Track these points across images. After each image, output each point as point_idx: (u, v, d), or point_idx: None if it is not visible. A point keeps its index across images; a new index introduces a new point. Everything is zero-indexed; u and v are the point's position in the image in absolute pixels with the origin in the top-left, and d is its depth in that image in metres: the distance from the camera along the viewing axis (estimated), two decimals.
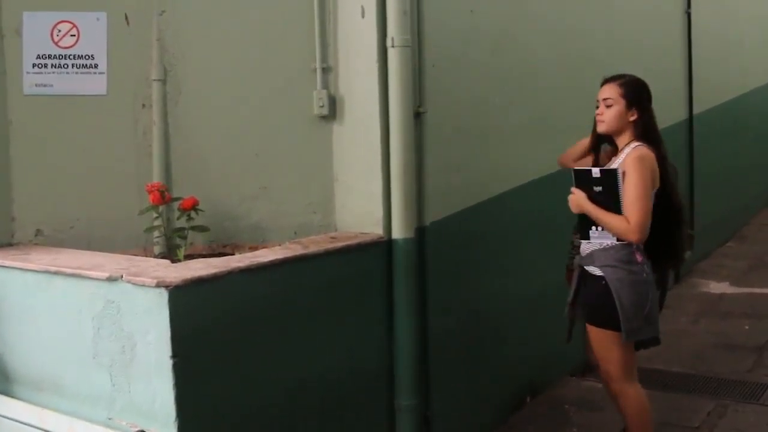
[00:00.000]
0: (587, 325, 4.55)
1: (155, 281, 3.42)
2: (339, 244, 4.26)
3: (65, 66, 4.60)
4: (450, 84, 4.89)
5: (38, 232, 4.49)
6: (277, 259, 3.90)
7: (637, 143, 4.39)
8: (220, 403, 3.65)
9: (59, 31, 4.58)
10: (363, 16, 4.48)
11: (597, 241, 4.42)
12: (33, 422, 3.82)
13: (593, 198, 4.36)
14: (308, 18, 4.61)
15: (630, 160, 4.29)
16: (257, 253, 4.09)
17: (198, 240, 4.57)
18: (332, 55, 4.64)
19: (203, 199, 4.44)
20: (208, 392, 3.59)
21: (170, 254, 4.41)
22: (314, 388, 4.13)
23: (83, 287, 3.73)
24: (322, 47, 4.63)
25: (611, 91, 4.45)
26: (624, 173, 4.27)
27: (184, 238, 4.43)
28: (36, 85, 4.55)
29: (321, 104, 4.61)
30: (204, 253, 4.43)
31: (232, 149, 4.66)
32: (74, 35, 4.59)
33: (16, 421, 3.89)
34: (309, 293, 4.10)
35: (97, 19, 4.63)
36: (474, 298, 5.17)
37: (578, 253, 4.60)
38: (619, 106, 4.42)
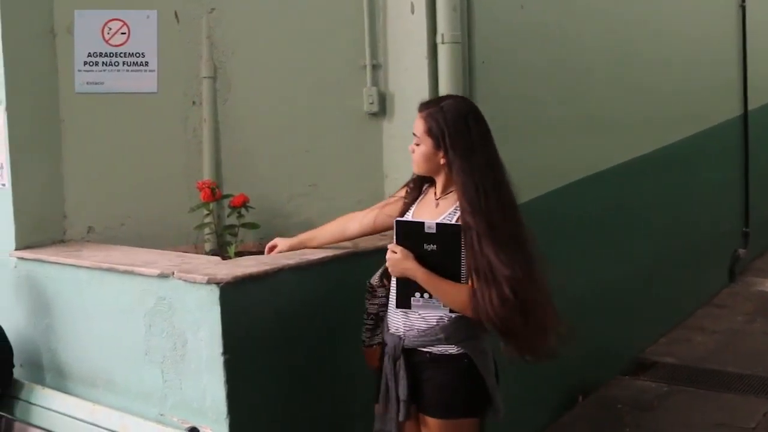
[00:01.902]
0: (429, 421, 3.46)
1: (206, 278, 3.42)
2: (388, 242, 4.22)
3: (116, 64, 4.61)
4: (499, 80, 4.85)
5: (90, 230, 4.51)
6: (326, 257, 3.89)
7: None
8: (270, 401, 3.65)
9: (110, 29, 4.60)
10: (413, 13, 4.47)
11: (421, 311, 3.39)
12: (85, 418, 3.84)
13: (423, 259, 3.34)
14: (358, 15, 4.60)
15: None
16: (307, 250, 4.08)
17: (248, 237, 4.57)
18: (382, 52, 4.62)
19: (253, 196, 4.44)
20: (259, 389, 3.58)
21: (221, 251, 4.42)
22: (364, 387, 4.11)
23: (135, 284, 3.74)
24: (372, 44, 4.62)
25: (417, 126, 3.44)
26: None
27: (235, 235, 4.44)
28: (87, 83, 4.56)
29: (371, 101, 4.60)
30: (254, 250, 4.42)
31: (282, 146, 4.66)
32: (125, 33, 4.61)
33: (70, 416, 3.91)
34: (357, 291, 4.07)
35: (148, 17, 4.64)
36: None
37: (376, 324, 3.68)
38: (425, 146, 3.42)
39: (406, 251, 3.33)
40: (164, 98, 4.62)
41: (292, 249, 3.99)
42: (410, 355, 3.42)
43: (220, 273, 3.48)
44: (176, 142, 4.64)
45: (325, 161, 4.65)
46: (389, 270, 3.42)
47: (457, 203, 3.33)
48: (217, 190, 4.44)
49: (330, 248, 4.05)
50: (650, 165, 6.69)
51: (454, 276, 3.30)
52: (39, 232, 4.36)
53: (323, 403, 3.90)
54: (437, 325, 3.37)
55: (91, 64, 4.58)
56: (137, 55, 4.63)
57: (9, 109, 4.28)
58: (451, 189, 3.42)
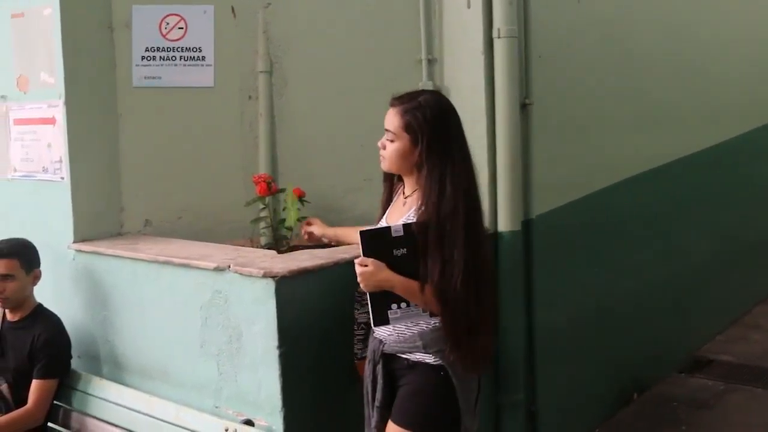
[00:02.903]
0: (390, 425, 3.28)
1: (262, 272, 3.44)
2: None
3: (173, 58, 4.64)
4: (557, 75, 4.82)
5: (147, 223, 4.54)
6: None
7: None
8: (325, 394, 3.66)
9: (167, 24, 4.62)
10: (469, 7, 4.44)
11: (401, 324, 3.23)
12: (142, 409, 3.87)
13: (396, 266, 3.16)
14: (414, 9, 4.58)
15: None
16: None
17: None
18: (438, 47, 4.60)
19: (308, 191, 4.44)
20: (313, 382, 3.59)
21: (276, 245, 4.43)
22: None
23: (191, 277, 3.76)
24: (428, 38, 4.60)
25: (392, 121, 3.31)
26: None
27: (290, 229, 4.45)
28: (145, 78, 4.59)
29: None
30: (309, 244, 4.43)
31: (337, 141, 4.66)
32: (182, 28, 4.64)
33: (126, 407, 3.95)
34: None
35: (204, 12, 4.66)
36: (580, 293, 5.10)
37: (367, 333, 3.52)
38: (401, 142, 3.28)
39: (377, 262, 3.15)
40: (221, 93, 4.65)
41: (325, 237, 4.08)
42: (390, 360, 3.29)
43: (276, 267, 3.49)
44: (232, 137, 4.66)
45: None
46: (362, 286, 3.22)
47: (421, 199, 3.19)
48: (272, 184, 4.45)
49: None
50: (708, 160, 6.61)
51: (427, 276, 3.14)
52: (97, 225, 4.40)
53: None
54: (416, 332, 3.22)
55: (148, 58, 4.61)
56: (194, 49, 4.65)
57: (68, 103, 4.33)
58: (418, 186, 3.26)
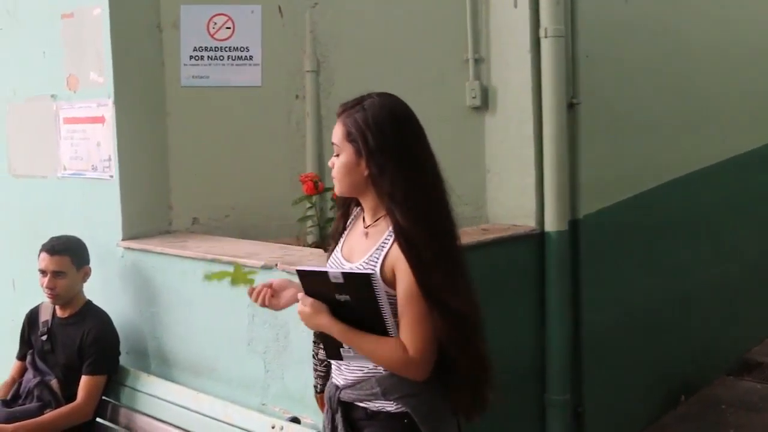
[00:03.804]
0: None
1: None
2: (491, 237, 4.21)
3: (221, 58, 4.66)
4: (604, 75, 4.79)
5: (195, 221, 4.57)
6: None
7: None
8: None
9: (215, 23, 4.65)
10: (516, 6, 4.43)
11: (355, 363, 2.76)
12: (189, 405, 3.89)
13: (339, 309, 2.69)
14: (460, 8, 4.58)
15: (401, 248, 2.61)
16: None
17: None
18: (485, 46, 4.60)
19: None
20: None
21: (323, 244, 4.44)
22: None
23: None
24: (475, 38, 4.60)
25: (336, 132, 2.77)
26: (393, 271, 2.64)
27: None
28: (193, 77, 4.62)
29: (473, 95, 4.58)
30: None
31: None
32: (229, 28, 4.66)
33: (173, 403, 3.97)
34: None
35: (252, 11, 4.68)
36: (627, 294, 5.07)
37: (328, 369, 3.02)
38: (345, 154, 2.73)
39: (317, 304, 2.70)
40: (268, 92, 4.67)
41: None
42: (349, 409, 2.81)
43: (323, 265, 3.49)
44: (279, 136, 4.68)
45: None
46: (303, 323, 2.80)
47: (390, 230, 2.65)
48: (319, 183, 4.46)
49: None
50: (758, 160, 6.54)
51: (379, 327, 2.65)
52: (145, 222, 4.44)
53: None
54: (372, 377, 2.74)
55: (196, 58, 4.63)
56: (242, 49, 4.68)
57: (117, 102, 4.36)
58: (381, 213, 2.72)
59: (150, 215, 4.46)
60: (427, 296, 2.57)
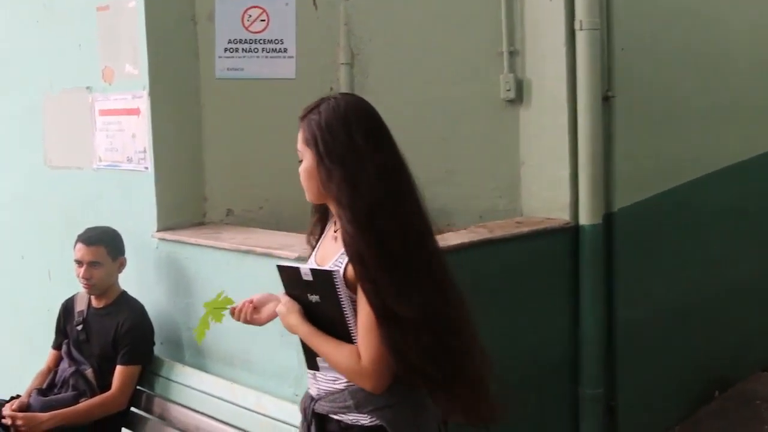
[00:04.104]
0: None
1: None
2: (525, 229, 4.21)
3: (255, 50, 4.67)
4: (639, 67, 4.77)
5: (229, 212, 4.58)
6: (462, 243, 3.89)
7: None
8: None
9: (250, 16, 4.65)
10: None
11: (331, 374, 2.68)
12: (223, 396, 3.91)
13: (310, 311, 2.68)
14: (495, 1, 4.57)
15: None
16: (443, 236, 4.04)
17: None
18: (519, 39, 4.59)
19: None
20: None
21: None
22: (496, 374, 4.09)
23: (273, 266, 3.77)
24: (509, 30, 4.59)
25: (298, 136, 2.70)
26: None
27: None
28: (227, 69, 4.63)
29: (508, 88, 4.57)
30: None
31: (418, 133, 4.64)
32: (264, 20, 4.66)
33: (207, 394, 3.99)
34: (494, 278, 4.06)
35: (286, 4, 4.69)
36: (662, 288, 5.04)
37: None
38: (306, 160, 2.66)
39: (291, 303, 2.73)
40: (302, 84, 4.66)
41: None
42: (323, 421, 2.73)
43: None
44: None
45: (462, 148, 4.64)
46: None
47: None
48: None
49: (465, 235, 4.04)
50: None
51: (343, 332, 2.59)
52: (180, 214, 4.45)
53: None
54: (346, 389, 2.65)
55: (231, 50, 4.64)
56: (276, 41, 4.68)
57: (152, 94, 4.37)
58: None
59: (184, 207, 4.47)
60: (371, 303, 2.49)
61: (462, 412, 2.65)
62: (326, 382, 2.70)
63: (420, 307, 2.49)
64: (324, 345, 2.62)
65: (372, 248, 2.49)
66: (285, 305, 2.74)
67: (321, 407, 2.72)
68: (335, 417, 2.69)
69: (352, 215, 2.53)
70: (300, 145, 2.68)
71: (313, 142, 2.61)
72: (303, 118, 2.69)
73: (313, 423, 2.75)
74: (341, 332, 2.59)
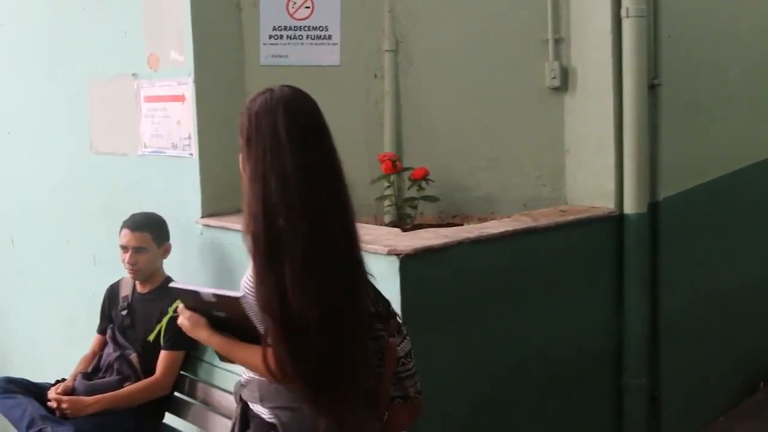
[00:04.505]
0: None
1: (387, 249, 3.45)
2: (569, 218, 4.19)
3: (300, 37, 4.68)
4: (686, 55, 4.72)
5: None
6: (506, 231, 3.87)
7: None
8: (446, 373, 3.66)
9: (294, 3, 4.66)
10: None
11: None
12: None
13: (218, 323, 2.74)
14: None
15: None
16: (487, 224, 4.07)
17: (428, 210, 4.59)
18: (565, 26, 4.55)
19: (433, 170, 4.45)
20: (435, 361, 3.55)
21: (400, 223, 4.45)
22: (539, 363, 4.09)
23: None
24: (555, 18, 4.55)
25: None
26: None
27: (415, 207, 4.46)
28: (272, 56, 4.64)
29: (553, 76, 4.54)
30: (433, 223, 4.44)
31: (463, 120, 4.65)
32: (309, 7, 4.66)
33: None
34: (537, 267, 4.05)
35: None
36: (706, 278, 4.99)
37: None
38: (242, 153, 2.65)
39: (195, 317, 2.76)
40: (346, 71, 4.67)
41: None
42: (246, 406, 2.78)
43: (401, 244, 3.50)
44: (358, 115, 4.68)
45: (506, 135, 4.62)
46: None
47: None
48: (398, 162, 4.47)
49: (509, 223, 4.03)
50: None
51: (254, 334, 2.60)
52: (224, 200, 4.43)
53: (496, 375, 3.91)
54: (256, 380, 2.70)
55: (276, 37, 4.65)
56: (320, 28, 4.68)
57: (197, 81, 4.39)
58: None
59: (229, 193, 4.45)
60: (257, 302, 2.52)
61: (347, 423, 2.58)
62: (248, 370, 2.73)
63: (315, 313, 2.45)
64: (237, 349, 2.67)
65: (256, 250, 2.53)
66: (188, 319, 2.76)
67: (243, 393, 2.76)
68: (250, 404, 2.74)
69: (246, 214, 2.57)
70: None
71: (240, 132, 2.60)
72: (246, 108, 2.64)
73: (239, 406, 2.80)
74: (253, 336, 2.60)
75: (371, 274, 2.74)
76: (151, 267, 4.31)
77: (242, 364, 2.69)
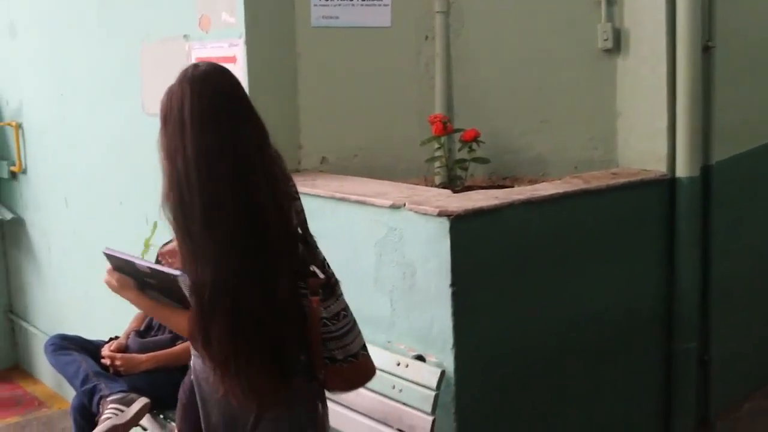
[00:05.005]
0: None
1: (437, 210, 3.45)
2: (620, 181, 4.16)
3: None
4: (741, 17, 4.67)
5: (323, 160, 4.61)
6: (557, 193, 3.85)
7: None
8: (495, 335, 3.67)
9: None
10: None
11: None
12: None
13: (147, 287, 2.91)
14: None
15: None
16: (537, 186, 4.06)
17: (478, 172, 4.59)
18: None
19: (484, 131, 4.44)
20: (485, 323, 3.61)
21: (451, 185, 4.45)
22: (588, 326, 4.08)
23: (367, 214, 3.81)
24: None
25: None
26: None
27: (465, 169, 4.46)
28: (323, 17, 4.63)
29: (605, 37, 4.50)
30: (484, 184, 4.44)
31: (514, 82, 4.63)
32: None
33: None
34: (587, 229, 4.04)
35: None
36: (758, 242, 4.97)
37: None
38: None
39: (123, 279, 2.93)
40: (397, 32, 4.66)
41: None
42: None
43: (451, 206, 3.50)
44: (409, 76, 4.67)
45: (558, 97, 4.60)
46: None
47: None
48: (448, 124, 4.47)
49: (560, 185, 4.02)
50: None
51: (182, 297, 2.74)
52: None
53: (546, 338, 3.91)
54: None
55: None
56: None
57: (248, 42, 4.39)
58: None
59: (281, 154, 4.49)
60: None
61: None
62: None
63: (209, 277, 2.58)
64: (168, 316, 2.87)
65: (174, 218, 2.64)
66: (116, 281, 2.91)
67: None
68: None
69: (163, 186, 2.67)
70: None
71: (159, 108, 2.70)
72: None
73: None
74: (183, 303, 2.73)
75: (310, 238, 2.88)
76: None
77: (170, 327, 2.92)
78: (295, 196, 2.90)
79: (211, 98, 2.64)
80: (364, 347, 2.92)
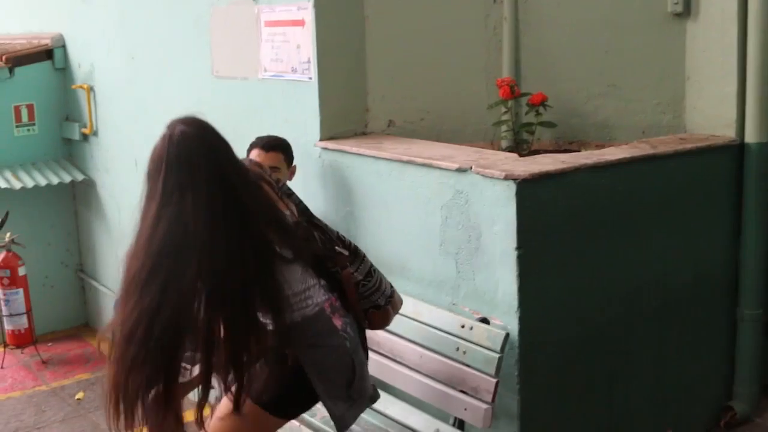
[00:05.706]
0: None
1: (504, 174, 3.46)
2: (688, 146, 4.14)
3: None
4: None
5: (390, 123, 4.63)
6: (624, 158, 3.85)
7: None
8: (561, 298, 3.69)
9: None
10: None
11: None
12: None
13: None
14: None
15: None
16: (604, 150, 4.05)
17: (545, 136, 4.59)
18: None
19: (551, 95, 4.44)
20: (550, 286, 3.63)
21: (517, 148, 4.45)
22: (653, 291, 4.07)
23: (433, 177, 3.83)
24: None
25: None
26: None
27: (532, 133, 4.46)
28: None
29: (675, 1, 4.45)
30: (550, 148, 4.43)
31: (581, 46, 4.61)
32: None
33: None
34: (654, 194, 4.02)
35: None
36: None
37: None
38: None
39: None
40: None
41: None
42: None
43: (518, 169, 3.51)
44: (476, 40, 4.68)
45: (626, 62, 4.57)
46: None
47: None
48: (515, 87, 4.47)
49: (627, 150, 4.00)
50: None
51: None
52: (342, 124, 4.51)
53: (611, 302, 3.92)
54: None
55: None
56: None
57: (317, 5, 4.40)
58: None
59: (347, 117, 4.53)
60: None
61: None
62: None
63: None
64: None
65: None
66: None
67: None
68: None
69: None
70: None
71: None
72: None
73: None
74: None
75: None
76: None
77: None
78: (288, 192, 3.32)
79: (181, 172, 2.97)
80: (390, 285, 3.45)
